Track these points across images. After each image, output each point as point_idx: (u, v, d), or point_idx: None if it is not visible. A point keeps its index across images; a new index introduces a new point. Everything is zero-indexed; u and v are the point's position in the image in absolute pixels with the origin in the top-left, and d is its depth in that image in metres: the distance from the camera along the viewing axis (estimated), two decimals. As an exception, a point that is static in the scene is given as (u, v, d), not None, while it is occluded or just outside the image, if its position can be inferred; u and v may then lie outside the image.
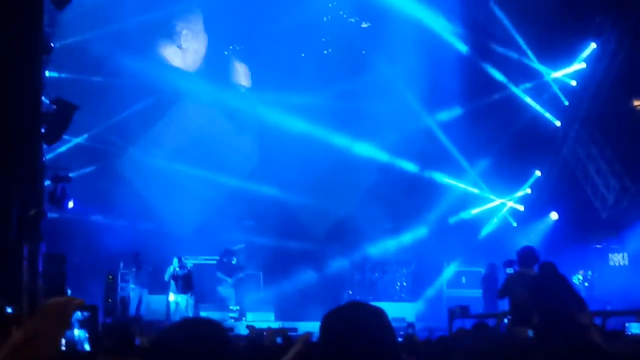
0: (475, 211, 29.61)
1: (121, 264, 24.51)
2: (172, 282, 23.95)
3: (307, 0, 27.63)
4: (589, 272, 26.57)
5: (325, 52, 29.09)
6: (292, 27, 27.62)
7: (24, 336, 2.96)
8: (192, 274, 24.38)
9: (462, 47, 28.51)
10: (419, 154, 28.72)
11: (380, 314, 3.28)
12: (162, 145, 27.95)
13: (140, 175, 27.60)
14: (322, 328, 3.28)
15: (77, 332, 16.86)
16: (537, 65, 28.82)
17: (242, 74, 28.96)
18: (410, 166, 29.04)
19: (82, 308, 3.20)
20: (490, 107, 28.50)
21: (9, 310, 8.49)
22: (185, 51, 28.83)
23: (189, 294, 23.91)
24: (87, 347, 15.96)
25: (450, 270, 28.03)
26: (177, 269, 23.96)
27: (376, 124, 27.51)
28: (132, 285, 24.19)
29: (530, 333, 9.08)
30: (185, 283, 23.91)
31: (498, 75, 28.68)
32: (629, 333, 14.92)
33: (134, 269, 24.34)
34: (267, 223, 27.68)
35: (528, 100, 29.02)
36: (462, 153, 29.02)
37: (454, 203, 29.24)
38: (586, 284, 25.75)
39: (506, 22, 27.91)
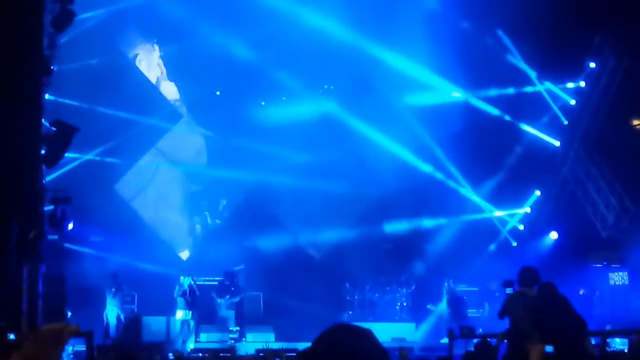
0: (473, 217, 29.58)
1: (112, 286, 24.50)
2: (181, 300, 23.98)
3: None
4: (597, 292, 26.56)
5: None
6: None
7: None
8: (199, 292, 24.51)
9: (461, 94, 28.78)
10: (419, 177, 28.69)
11: (368, 334, 3.27)
12: (161, 166, 28.09)
13: (139, 196, 27.69)
14: (310, 353, 3.26)
15: None
16: (536, 85, 28.87)
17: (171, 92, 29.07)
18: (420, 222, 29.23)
19: (77, 334, 3.17)
20: (490, 128, 28.55)
21: (12, 337, 8.47)
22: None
23: (192, 313, 23.98)
24: None
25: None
26: (192, 286, 24.10)
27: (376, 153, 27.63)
28: (110, 307, 24.10)
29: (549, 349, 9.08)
30: (193, 299, 24.03)
31: (498, 104, 28.77)
32: (612, 349, 14.96)
33: (113, 289, 24.28)
34: (267, 244, 27.68)
35: (526, 127, 29.07)
36: (462, 174, 29.05)
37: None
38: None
39: (505, 41, 28.01)
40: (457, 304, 26.66)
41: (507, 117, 28.76)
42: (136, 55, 28.39)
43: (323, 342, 3.24)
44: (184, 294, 24.06)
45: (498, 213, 29.75)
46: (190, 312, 24.01)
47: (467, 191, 29.35)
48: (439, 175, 28.95)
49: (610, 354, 12.01)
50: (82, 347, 17.32)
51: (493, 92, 28.59)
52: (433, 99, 28.35)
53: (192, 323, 23.99)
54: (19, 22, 15.16)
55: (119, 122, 26.48)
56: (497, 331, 14.25)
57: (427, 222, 29.04)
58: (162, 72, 28.82)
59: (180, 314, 24.04)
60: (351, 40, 26.82)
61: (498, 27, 27.83)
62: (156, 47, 28.67)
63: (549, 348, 8.86)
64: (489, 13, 27.22)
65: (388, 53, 27.09)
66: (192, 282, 24.31)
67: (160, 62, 28.76)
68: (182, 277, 24.37)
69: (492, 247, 29.46)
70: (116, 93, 26.15)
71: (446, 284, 27.94)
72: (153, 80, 28.74)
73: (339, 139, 27.88)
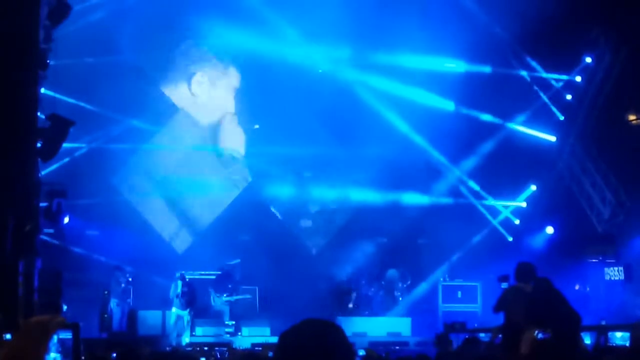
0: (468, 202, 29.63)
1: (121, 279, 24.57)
2: (176, 300, 23.95)
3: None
4: (587, 287, 26.61)
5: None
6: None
7: (6, 355, 2.95)
8: (196, 291, 24.50)
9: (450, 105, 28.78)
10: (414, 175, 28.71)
11: (336, 329, 3.33)
12: (157, 162, 28.00)
13: (136, 190, 27.64)
14: (277, 347, 3.32)
15: (53, 355, 16.87)
16: (532, 78, 28.89)
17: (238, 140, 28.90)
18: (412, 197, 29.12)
19: (63, 326, 3.19)
20: (484, 122, 28.68)
21: (8, 337, 8.43)
22: (195, 98, 28.62)
23: (189, 310, 23.94)
24: None
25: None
26: (185, 289, 24.02)
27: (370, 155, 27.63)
28: (116, 300, 24.20)
29: (540, 335, 9.07)
30: (189, 300, 23.97)
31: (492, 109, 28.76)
32: (614, 344, 14.97)
33: (122, 284, 24.41)
34: (263, 238, 27.68)
35: (522, 128, 29.13)
36: (458, 167, 29.13)
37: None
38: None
39: (501, 37, 27.98)
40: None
41: (498, 120, 28.88)
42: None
43: (290, 336, 3.30)
44: (178, 296, 24.02)
45: (496, 203, 29.82)
46: (188, 310, 24.00)
47: (460, 176, 29.39)
48: (436, 155, 29.06)
49: (608, 349, 12.01)
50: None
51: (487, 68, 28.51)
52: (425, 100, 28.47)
53: (186, 317, 23.95)
54: (15, 14, 15.12)
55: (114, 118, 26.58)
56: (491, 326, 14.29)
57: (410, 198, 29.02)
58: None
59: (173, 310, 24.04)
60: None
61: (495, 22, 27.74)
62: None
63: (540, 335, 8.85)
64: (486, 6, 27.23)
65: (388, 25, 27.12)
66: (186, 280, 24.24)
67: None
68: (177, 274, 24.36)
69: (484, 237, 29.46)
70: (114, 93, 25.90)
71: (441, 279, 28.03)
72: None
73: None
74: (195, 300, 24.31)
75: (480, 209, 29.75)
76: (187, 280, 24.35)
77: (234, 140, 28.77)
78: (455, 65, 28.38)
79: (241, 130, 28.78)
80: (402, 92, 27.92)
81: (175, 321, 23.87)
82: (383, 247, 28.88)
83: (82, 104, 25.17)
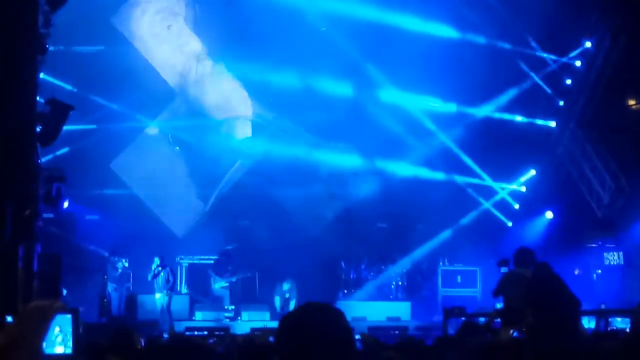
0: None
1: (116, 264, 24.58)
2: (155, 282, 23.98)
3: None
4: (594, 274, 26.66)
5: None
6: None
7: (5, 340, 2.95)
8: (175, 272, 24.49)
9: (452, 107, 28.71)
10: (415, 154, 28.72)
11: (337, 314, 3.33)
12: (157, 145, 27.92)
13: (135, 175, 27.60)
14: (278, 330, 3.33)
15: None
16: (530, 63, 28.85)
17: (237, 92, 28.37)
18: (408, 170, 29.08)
19: (63, 311, 3.21)
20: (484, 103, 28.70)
21: (9, 319, 8.46)
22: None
23: (165, 291, 23.86)
24: None
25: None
26: (159, 269, 23.97)
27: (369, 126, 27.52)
28: (113, 285, 24.22)
29: (515, 334, 9.18)
30: (166, 281, 23.92)
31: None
32: (614, 328, 14.99)
33: (119, 270, 24.43)
34: (263, 223, 27.66)
35: (520, 118, 29.11)
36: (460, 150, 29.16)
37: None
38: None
39: (500, 20, 27.92)
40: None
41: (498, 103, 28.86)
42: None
43: (291, 319, 3.31)
44: (154, 276, 24.00)
45: (495, 185, 29.83)
46: (165, 291, 23.91)
47: (463, 160, 29.38)
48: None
49: (609, 333, 12.01)
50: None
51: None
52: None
53: (165, 300, 23.83)
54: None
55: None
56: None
57: (406, 172, 29.00)
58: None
59: (157, 295, 24.02)
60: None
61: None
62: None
63: (515, 334, 9.02)
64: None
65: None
66: (158, 264, 24.15)
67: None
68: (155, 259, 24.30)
69: (484, 221, 29.45)
70: (115, 82, 25.81)
71: (441, 263, 28.05)
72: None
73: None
74: (171, 282, 24.23)
75: (475, 195, 29.74)
76: (163, 262, 24.27)
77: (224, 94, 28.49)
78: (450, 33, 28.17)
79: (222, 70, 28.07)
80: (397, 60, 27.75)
81: (160, 309, 23.79)
82: (383, 232, 28.88)
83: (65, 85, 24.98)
